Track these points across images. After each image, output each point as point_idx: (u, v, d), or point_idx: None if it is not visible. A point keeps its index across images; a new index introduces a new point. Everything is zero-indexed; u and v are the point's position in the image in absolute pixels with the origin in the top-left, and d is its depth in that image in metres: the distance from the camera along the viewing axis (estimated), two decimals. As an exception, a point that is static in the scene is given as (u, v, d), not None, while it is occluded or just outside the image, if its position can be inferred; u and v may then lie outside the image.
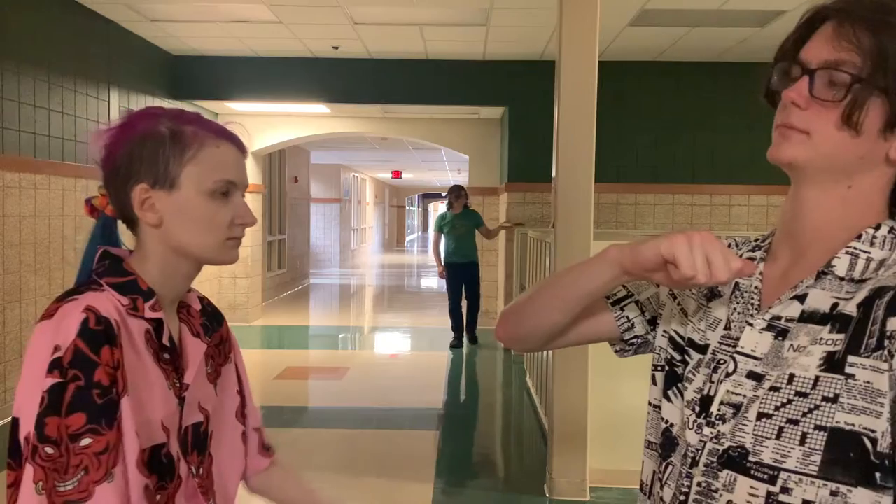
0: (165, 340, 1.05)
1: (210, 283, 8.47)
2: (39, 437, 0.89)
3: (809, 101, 0.81)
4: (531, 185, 7.19)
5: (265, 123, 8.59)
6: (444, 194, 7.33)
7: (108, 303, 0.98)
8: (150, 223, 1.04)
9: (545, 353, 4.60)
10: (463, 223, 7.43)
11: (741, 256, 0.95)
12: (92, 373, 0.92)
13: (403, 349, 8.19)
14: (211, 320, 1.19)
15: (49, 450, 0.90)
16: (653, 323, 1.03)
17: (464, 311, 7.70)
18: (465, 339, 7.66)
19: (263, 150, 8.98)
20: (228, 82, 7.27)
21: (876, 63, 0.78)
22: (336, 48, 6.83)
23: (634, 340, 1.05)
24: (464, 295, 7.65)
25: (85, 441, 0.91)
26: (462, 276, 7.47)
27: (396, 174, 20.39)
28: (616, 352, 1.09)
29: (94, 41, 5.71)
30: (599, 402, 3.73)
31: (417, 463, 4.25)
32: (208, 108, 7.95)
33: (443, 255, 7.65)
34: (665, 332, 1.00)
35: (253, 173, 8.78)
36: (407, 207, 34.45)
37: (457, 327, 7.64)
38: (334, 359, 7.64)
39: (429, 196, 36.86)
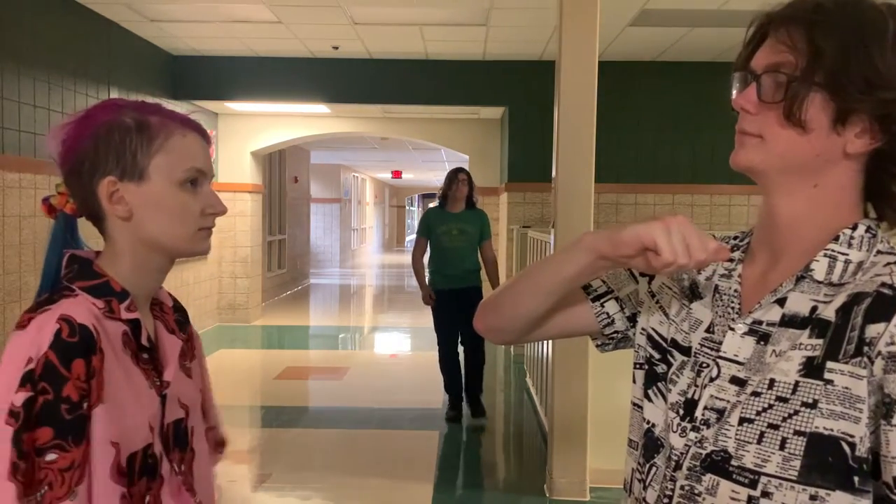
0: (144, 341, 1.03)
1: (210, 283, 8.47)
2: (19, 453, 0.87)
3: (759, 105, 0.84)
4: (531, 185, 7.19)
5: (265, 123, 8.59)
6: (437, 198, 5.33)
7: (84, 308, 0.96)
8: (120, 216, 1.02)
9: (545, 353, 4.59)
10: (464, 228, 4.94)
11: None
12: (61, 387, 0.90)
13: (403, 349, 8.19)
14: (183, 316, 1.19)
15: (24, 465, 0.88)
16: (632, 319, 1.04)
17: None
18: (463, 406, 5.08)
19: (263, 150, 8.98)
20: (228, 82, 7.26)
21: (810, 60, 0.80)
22: (336, 48, 6.83)
23: (615, 335, 1.06)
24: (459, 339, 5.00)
25: (50, 456, 0.89)
26: (458, 308, 4.75)
27: (396, 174, 20.39)
28: (597, 346, 1.09)
29: (94, 41, 5.71)
30: (599, 402, 3.73)
31: (417, 463, 4.25)
32: (208, 108, 7.95)
33: (427, 276, 5.04)
34: (643, 329, 1.00)
35: (253, 173, 8.78)
36: (407, 207, 34.43)
37: (453, 386, 5.05)
38: (334, 359, 7.64)
39: (429, 196, 36.82)
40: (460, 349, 5.03)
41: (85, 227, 1.09)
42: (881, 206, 0.86)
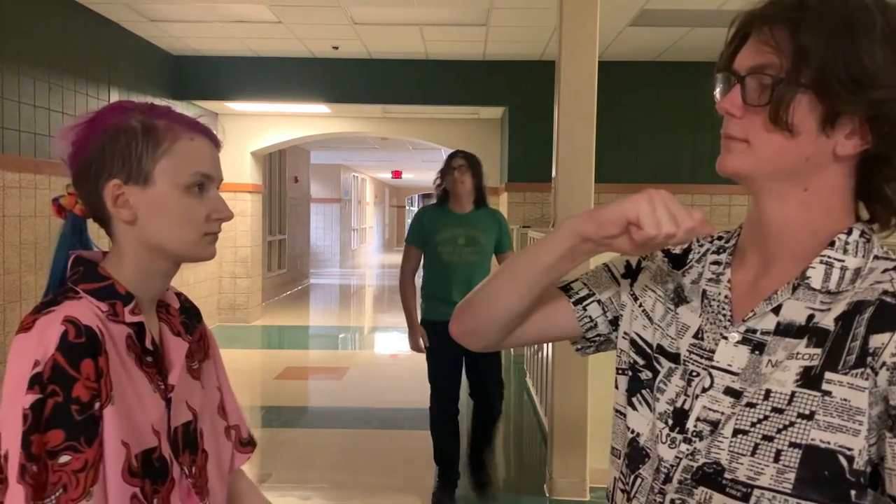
0: (148, 344, 1.02)
1: (210, 282, 8.47)
2: (28, 455, 0.87)
3: (744, 108, 0.80)
4: (531, 185, 7.19)
5: (265, 123, 8.59)
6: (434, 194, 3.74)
7: (87, 310, 0.96)
8: (125, 220, 1.02)
9: (545, 353, 4.59)
10: (474, 236, 3.53)
11: (704, 255, 0.93)
12: (70, 388, 0.89)
13: (403, 349, 8.17)
14: (190, 317, 1.17)
15: (35, 468, 0.88)
16: (615, 323, 1.00)
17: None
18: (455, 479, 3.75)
19: (263, 150, 8.98)
20: (228, 82, 7.26)
21: (795, 61, 0.76)
22: (336, 48, 6.82)
23: (597, 338, 1.02)
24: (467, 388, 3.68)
25: (63, 458, 0.88)
26: (461, 351, 2.98)
27: (396, 174, 20.39)
28: (577, 349, 1.05)
29: (94, 41, 5.71)
30: (599, 402, 3.73)
31: (417, 463, 4.25)
32: (208, 108, 7.95)
33: (418, 302, 3.60)
34: (626, 334, 0.96)
35: (253, 173, 8.78)
36: (407, 207, 34.41)
37: (447, 457, 3.68)
38: (334, 359, 7.64)
39: (429, 196, 36.81)
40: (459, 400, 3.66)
41: (96, 228, 1.09)
42: (873, 207, 0.83)
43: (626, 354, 0.95)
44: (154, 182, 1.01)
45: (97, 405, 0.92)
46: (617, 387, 0.96)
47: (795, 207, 0.82)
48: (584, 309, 1.00)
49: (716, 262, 0.91)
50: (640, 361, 0.92)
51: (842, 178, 0.81)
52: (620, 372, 0.95)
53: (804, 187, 0.81)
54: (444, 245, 3.55)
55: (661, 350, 0.90)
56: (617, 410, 0.95)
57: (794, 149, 0.79)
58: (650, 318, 0.94)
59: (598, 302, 1.00)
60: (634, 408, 0.91)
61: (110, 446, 0.93)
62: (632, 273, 0.99)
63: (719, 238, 0.94)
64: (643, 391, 0.90)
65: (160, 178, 1.01)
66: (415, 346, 3.62)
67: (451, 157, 3.62)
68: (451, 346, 2.89)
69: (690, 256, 0.95)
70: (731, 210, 7.06)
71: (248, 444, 1.25)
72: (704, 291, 0.89)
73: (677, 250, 0.96)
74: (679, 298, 0.92)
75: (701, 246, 0.95)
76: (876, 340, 0.73)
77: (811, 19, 0.76)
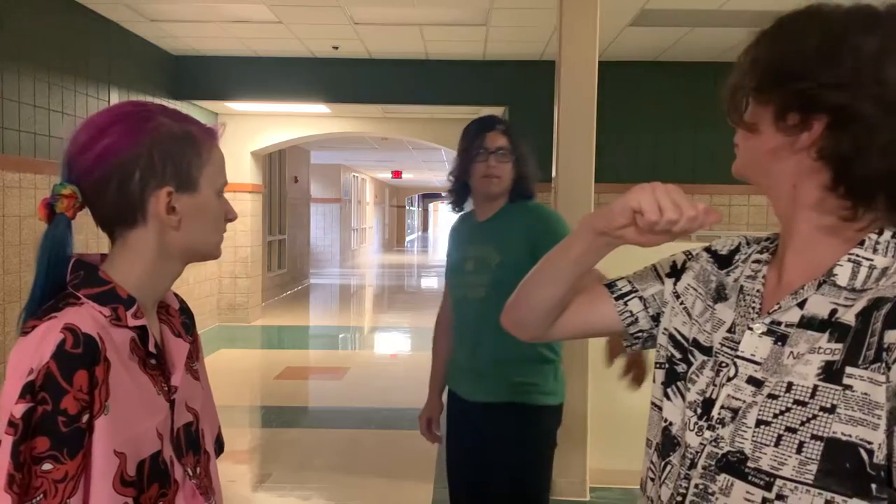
0: (151, 347, 1.02)
1: (210, 283, 8.47)
2: (16, 464, 0.87)
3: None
4: (531, 185, 7.17)
5: (265, 123, 8.59)
6: (444, 194, 2.47)
7: (88, 317, 0.95)
8: (171, 226, 1.02)
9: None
10: (484, 257, 2.12)
11: (749, 256, 0.97)
12: (60, 399, 0.89)
13: (403, 349, 8.19)
14: (189, 317, 1.18)
15: (20, 476, 0.88)
16: (657, 319, 1.04)
17: None
18: None
19: (263, 150, 8.98)
20: (228, 82, 7.26)
21: (747, 69, 0.87)
22: (336, 48, 6.83)
23: (640, 334, 1.06)
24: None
25: (46, 466, 0.89)
26: (481, 445, 2.17)
27: (396, 174, 20.39)
28: (626, 346, 1.10)
29: (94, 41, 5.71)
30: (599, 402, 3.73)
31: (417, 463, 4.25)
32: (208, 108, 7.95)
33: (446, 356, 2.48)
34: (665, 329, 1.01)
35: (253, 173, 8.78)
36: (407, 207, 34.43)
37: None
38: (334, 359, 7.64)
39: (429, 196, 36.83)
40: None
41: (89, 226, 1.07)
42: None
43: (665, 349, 0.99)
44: (200, 189, 1.04)
45: (86, 417, 0.91)
46: (654, 380, 1.00)
47: (788, 203, 0.87)
48: (626, 304, 1.05)
49: (757, 261, 0.95)
50: (677, 355, 0.97)
51: (824, 174, 0.83)
52: (658, 366, 1.00)
53: (791, 183, 0.86)
54: (454, 273, 2.28)
55: (695, 343, 0.95)
56: (653, 403, 0.99)
57: (759, 146, 0.87)
58: (689, 315, 0.98)
59: (640, 298, 1.05)
60: (669, 399, 0.96)
61: (102, 457, 0.93)
62: (676, 272, 1.04)
63: (766, 239, 0.99)
64: (678, 383, 0.95)
65: (204, 184, 1.04)
66: (421, 426, 2.45)
67: (481, 126, 2.18)
68: (463, 437, 2.14)
69: (737, 257, 1.00)
70: (731, 210, 7.06)
71: (220, 450, 1.26)
72: (742, 287, 0.94)
73: (724, 251, 1.01)
74: (719, 296, 0.96)
75: (749, 247, 1.00)
76: (891, 336, 0.75)
77: (762, 37, 0.88)
